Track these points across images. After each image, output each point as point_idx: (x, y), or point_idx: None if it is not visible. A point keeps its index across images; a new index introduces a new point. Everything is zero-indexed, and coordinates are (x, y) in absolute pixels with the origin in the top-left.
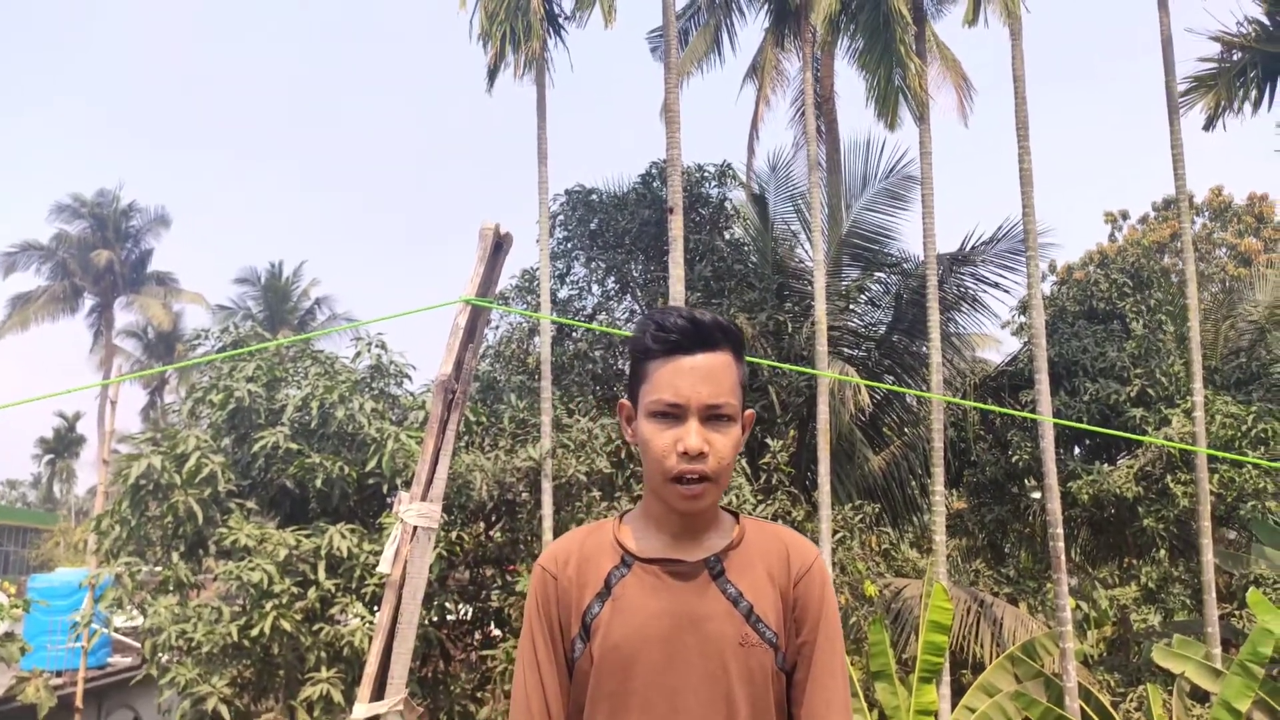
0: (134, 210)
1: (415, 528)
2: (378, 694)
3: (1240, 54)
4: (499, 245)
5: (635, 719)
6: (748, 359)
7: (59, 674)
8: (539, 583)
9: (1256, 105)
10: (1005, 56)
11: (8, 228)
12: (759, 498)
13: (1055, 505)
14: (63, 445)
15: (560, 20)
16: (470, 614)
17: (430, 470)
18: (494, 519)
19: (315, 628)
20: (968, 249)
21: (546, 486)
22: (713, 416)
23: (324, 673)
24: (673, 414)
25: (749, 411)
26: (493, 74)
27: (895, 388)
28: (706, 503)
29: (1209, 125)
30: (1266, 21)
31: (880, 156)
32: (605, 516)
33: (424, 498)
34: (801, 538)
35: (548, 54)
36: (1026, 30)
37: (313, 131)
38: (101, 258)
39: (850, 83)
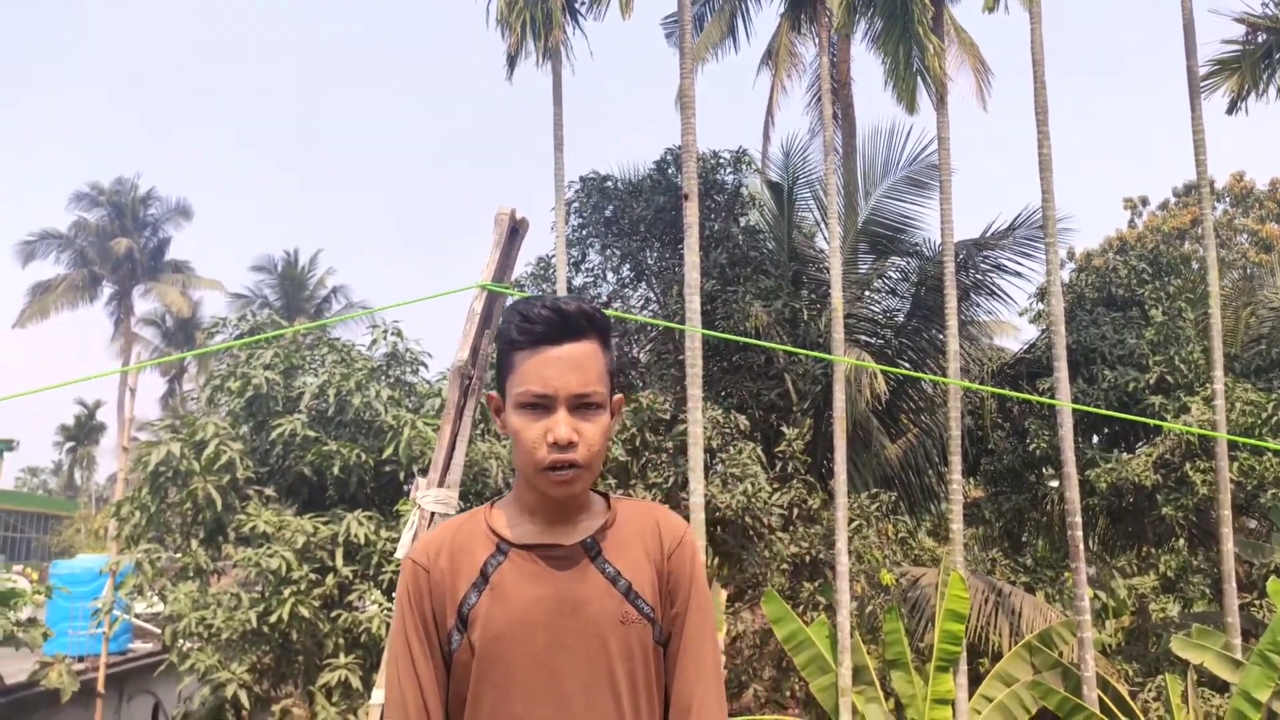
0: (152, 199)
1: (432, 514)
2: None
3: (1265, 36)
4: (515, 230)
5: (519, 706)
6: (765, 344)
7: (81, 659)
8: (410, 576)
9: None
10: (1024, 41)
11: (27, 216)
12: (775, 486)
13: (1073, 493)
14: (83, 432)
15: (578, 6)
16: None
17: (447, 456)
18: None
19: (333, 614)
20: (986, 235)
21: None
22: (581, 405)
23: (342, 659)
24: (541, 404)
25: (618, 397)
26: (512, 61)
27: (912, 373)
28: (578, 489)
29: (1232, 109)
30: None
31: (904, 144)
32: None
33: (441, 484)
34: (672, 513)
35: (566, 41)
36: (1046, 14)
37: (328, 123)
38: (120, 246)
39: (867, 69)
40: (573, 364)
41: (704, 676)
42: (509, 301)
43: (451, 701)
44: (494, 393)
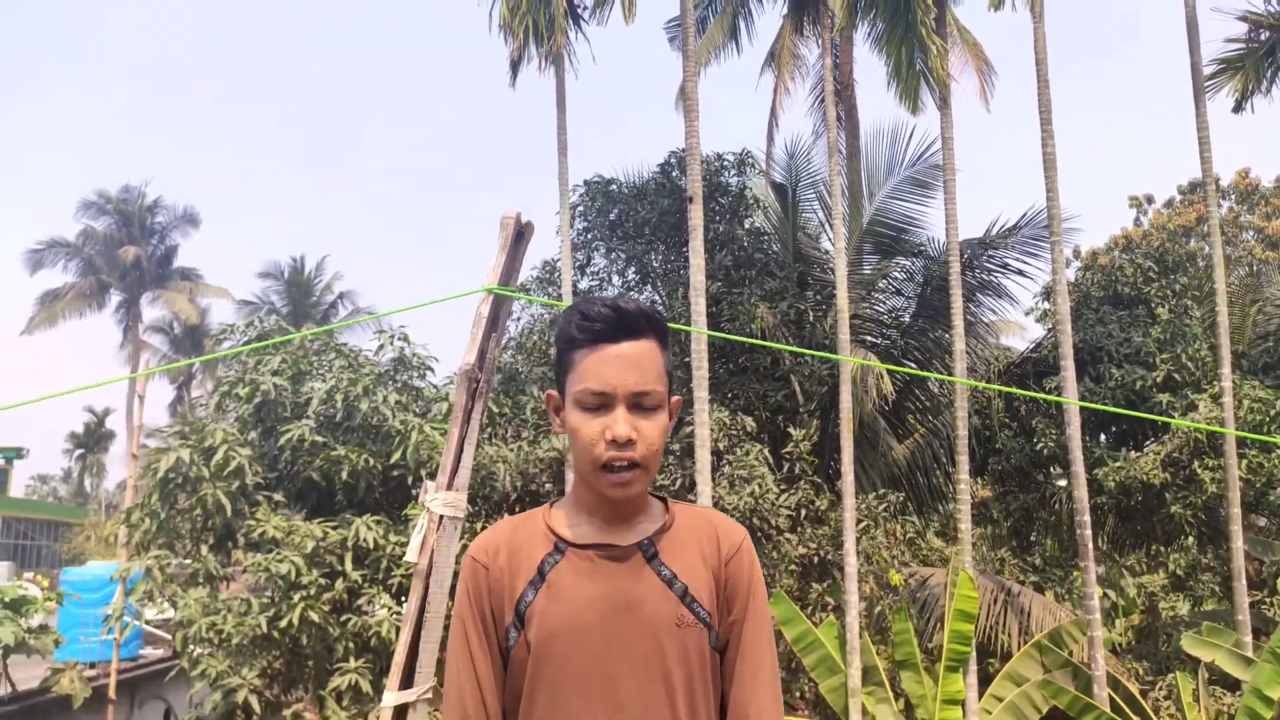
0: (159, 206)
1: (441, 517)
2: (406, 683)
3: (1268, 33)
4: (520, 234)
5: (574, 704)
6: (771, 345)
7: (92, 665)
8: (469, 573)
9: None
10: (1028, 40)
11: (35, 225)
12: (782, 487)
13: (1082, 492)
14: (92, 440)
15: (581, 12)
16: None
17: (455, 460)
18: (518, 509)
19: (343, 619)
20: (991, 235)
21: (570, 477)
22: (640, 404)
23: (352, 663)
24: (600, 402)
25: (676, 398)
26: (515, 67)
27: (919, 373)
28: (636, 489)
29: (1238, 107)
30: None
31: (907, 144)
32: None
33: (449, 487)
34: (730, 519)
35: (568, 46)
36: (1049, 13)
37: (333, 129)
38: (128, 254)
39: (869, 70)
40: (631, 362)
41: (762, 685)
42: (515, 304)
43: (508, 699)
44: (553, 391)
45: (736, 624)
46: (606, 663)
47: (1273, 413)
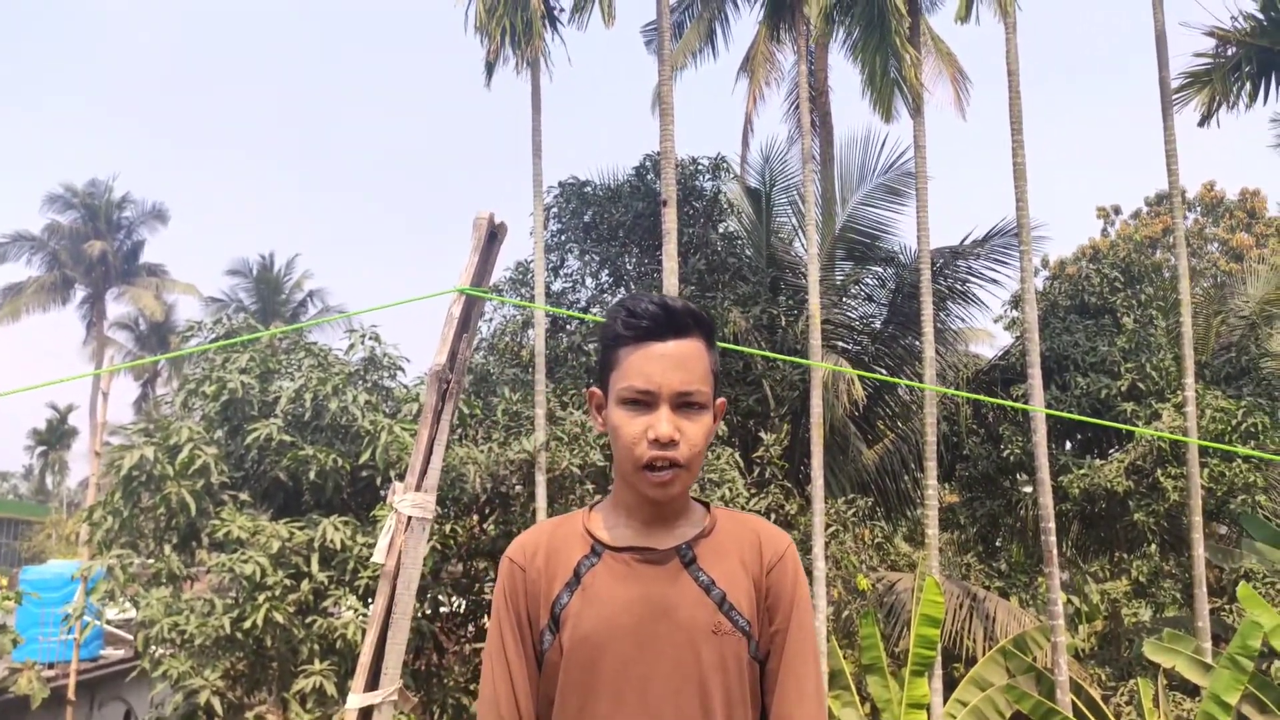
0: (127, 202)
1: (410, 518)
2: (372, 684)
3: (1235, 49)
4: (493, 235)
5: (605, 709)
6: (743, 349)
7: (51, 666)
8: (506, 575)
9: (1251, 100)
10: (1000, 52)
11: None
12: (752, 491)
13: (1047, 499)
14: (55, 437)
15: (557, 14)
16: (464, 607)
17: (424, 461)
18: (487, 512)
19: (308, 620)
20: (963, 243)
21: (540, 479)
22: (684, 404)
23: (317, 665)
24: (643, 401)
25: (720, 400)
26: (490, 68)
27: (889, 379)
28: (677, 489)
29: (1204, 121)
30: (1261, 17)
31: (880, 152)
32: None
33: (418, 488)
34: (774, 527)
35: (545, 49)
36: (1021, 26)
37: (304, 126)
38: (94, 248)
39: (845, 77)
40: (677, 361)
41: (806, 699)
42: (487, 305)
43: (541, 702)
44: (595, 388)
45: (779, 634)
46: (640, 667)
47: (1234, 422)
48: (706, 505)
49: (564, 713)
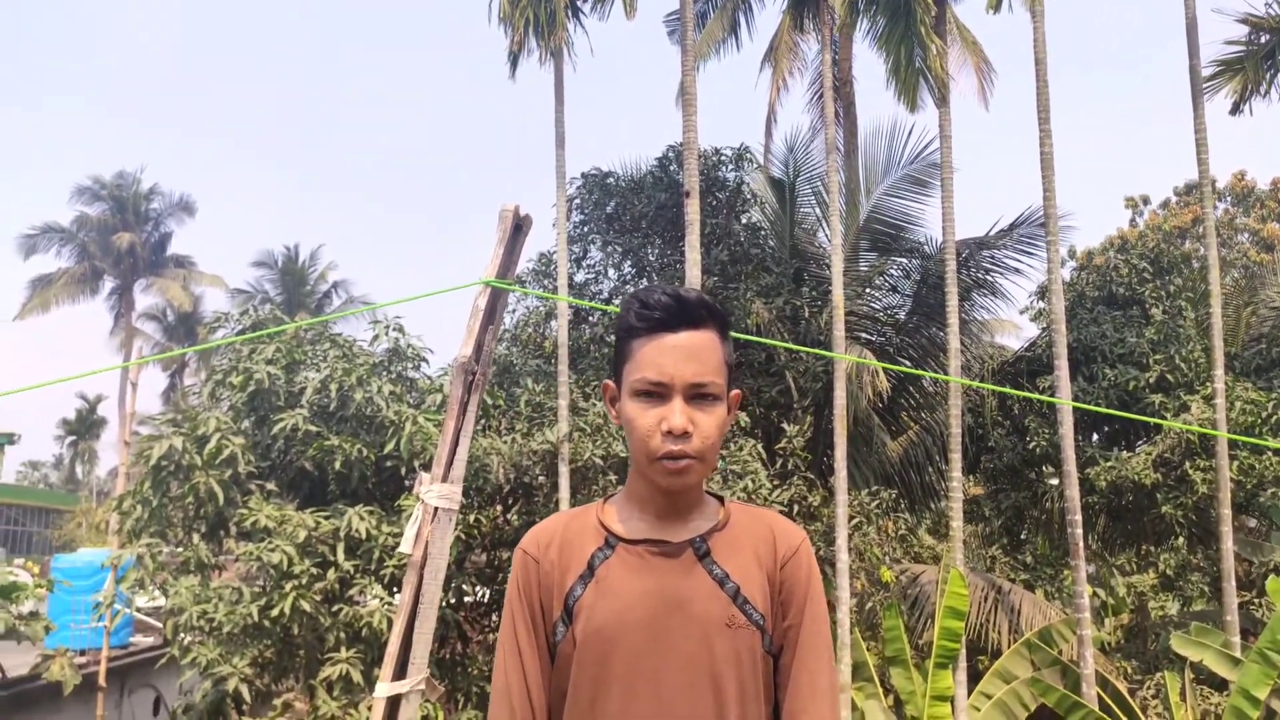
0: (155, 193)
1: (436, 509)
2: (399, 674)
3: (1268, 36)
4: (519, 227)
5: (618, 702)
6: (766, 341)
7: (82, 653)
8: (520, 566)
9: None
10: (1027, 40)
11: (29, 210)
12: (775, 483)
13: (1073, 492)
14: (84, 427)
15: (581, 4)
16: (487, 596)
17: (450, 452)
18: (511, 502)
19: (334, 608)
20: (989, 234)
21: (563, 470)
22: (698, 395)
23: (343, 653)
24: (657, 392)
25: (735, 391)
26: (514, 59)
27: (913, 370)
28: (692, 480)
29: (1236, 110)
30: None
31: (906, 142)
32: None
33: (444, 479)
34: (788, 521)
35: (568, 40)
36: (1049, 13)
37: (329, 118)
38: (122, 240)
39: (868, 66)
40: (690, 353)
41: (819, 694)
42: (511, 297)
43: (554, 693)
44: (609, 381)
45: (793, 629)
46: (652, 660)
47: (1265, 414)
48: (721, 499)
49: (576, 704)
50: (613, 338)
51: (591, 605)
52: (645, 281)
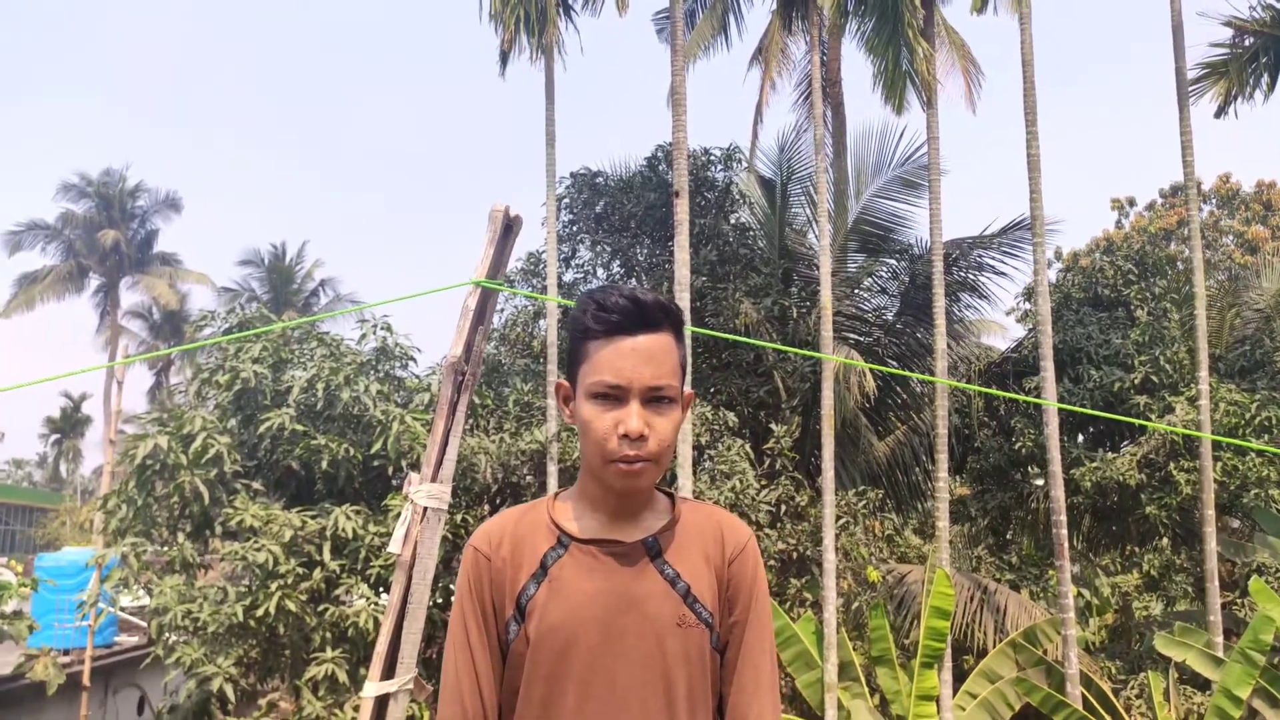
0: (141, 191)
1: (425, 509)
2: (387, 673)
3: (1252, 39)
4: (509, 227)
5: (572, 701)
6: (754, 342)
7: (66, 652)
8: (471, 563)
9: (1269, 91)
10: (1015, 43)
11: (13, 207)
12: (763, 483)
13: (1058, 492)
14: (69, 425)
15: (571, 3)
16: None
17: (440, 452)
18: (498, 502)
19: (320, 608)
20: (975, 237)
21: (552, 469)
22: (654, 398)
23: (329, 653)
24: (614, 395)
25: (689, 392)
26: (505, 57)
27: (900, 371)
28: (646, 482)
29: (1220, 113)
30: (1279, 7)
31: (897, 145)
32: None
33: (434, 479)
34: (735, 518)
35: (559, 38)
36: (1036, 16)
37: (316, 117)
38: (108, 237)
39: (856, 67)
40: (648, 356)
41: (762, 689)
42: (500, 296)
43: (505, 692)
44: (563, 380)
45: (738, 625)
46: (606, 660)
47: (1248, 416)
48: (671, 495)
49: (528, 702)
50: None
51: (545, 604)
52: (634, 281)
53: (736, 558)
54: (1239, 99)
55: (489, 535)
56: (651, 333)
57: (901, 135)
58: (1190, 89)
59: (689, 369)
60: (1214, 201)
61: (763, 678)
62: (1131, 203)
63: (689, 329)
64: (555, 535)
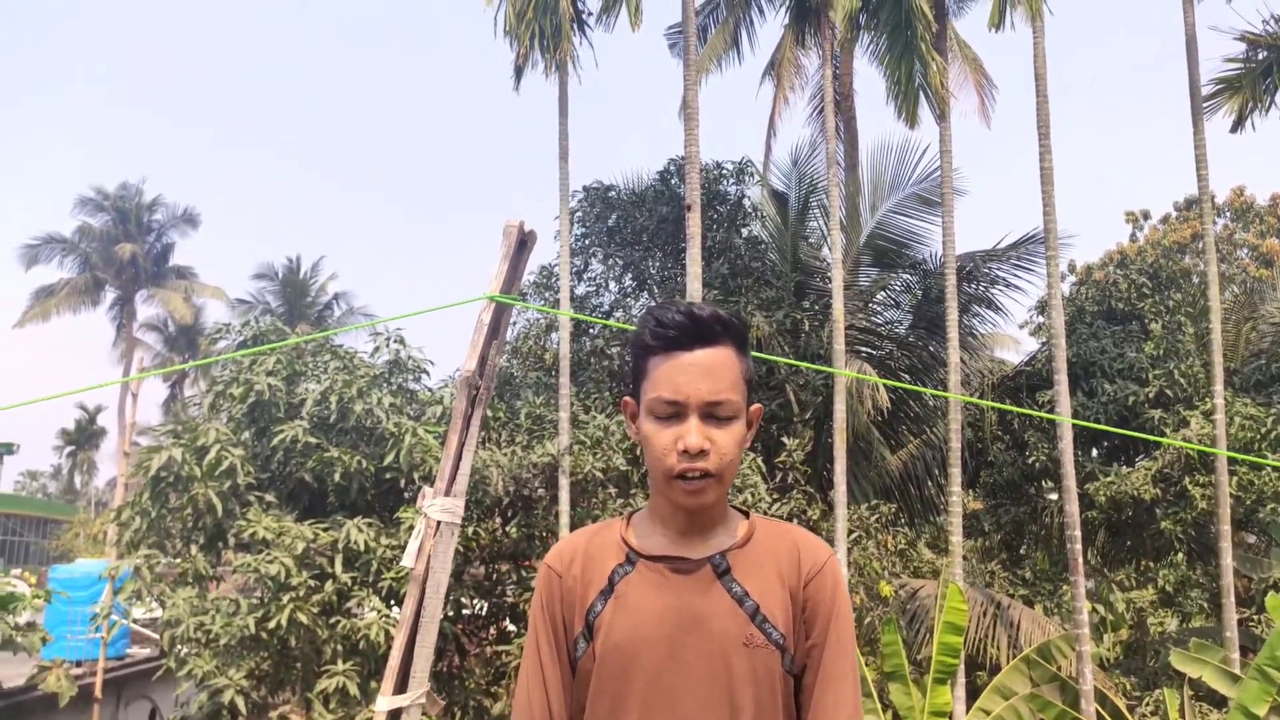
0: (158, 205)
1: (438, 523)
2: (400, 687)
3: (1266, 53)
4: (523, 243)
5: (635, 717)
6: (766, 357)
7: (79, 664)
8: (544, 581)
9: None
10: (1028, 57)
11: (31, 220)
12: (774, 496)
13: (1073, 507)
14: (83, 437)
15: (586, 18)
16: (485, 609)
17: (454, 466)
18: (510, 515)
19: (332, 621)
20: (988, 250)
21: (563, 483)
22: (714, 413)
23: (340, 665)
24: (673, 411)
25: (755, 406)
26: (519, 72)
27: (913, 386)
28: (710, 498)
29: (1236, 127)
30: None
31: (917, 162)
32: (620, 513)
33: (447, 493)
34: (814, 537)
35: (573, 53)
36: (1050, 30)
37: (332, 129)
38: (124, 251)
39: (869, 81)
40: (705, 370)
41: (843, 715)
42: (516, 312)
43: (574, 708)
44: (628, 398)
45: (816, 648)
46: (670, 678)
47: (1264, 430)
48: (747, 514)
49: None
50: (614, 350)
51: (610, 621)
52: (647, 294)
53: (814, 578)
54: (1254, 113)
55: (562, 553)
56: (710, 346)
57: (923, 154)
58: (1205, 103)
59: (752, 382)
60: (1228, 215)
61: (843, 703)
62: (1146, 216)
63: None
64: (624, 552)
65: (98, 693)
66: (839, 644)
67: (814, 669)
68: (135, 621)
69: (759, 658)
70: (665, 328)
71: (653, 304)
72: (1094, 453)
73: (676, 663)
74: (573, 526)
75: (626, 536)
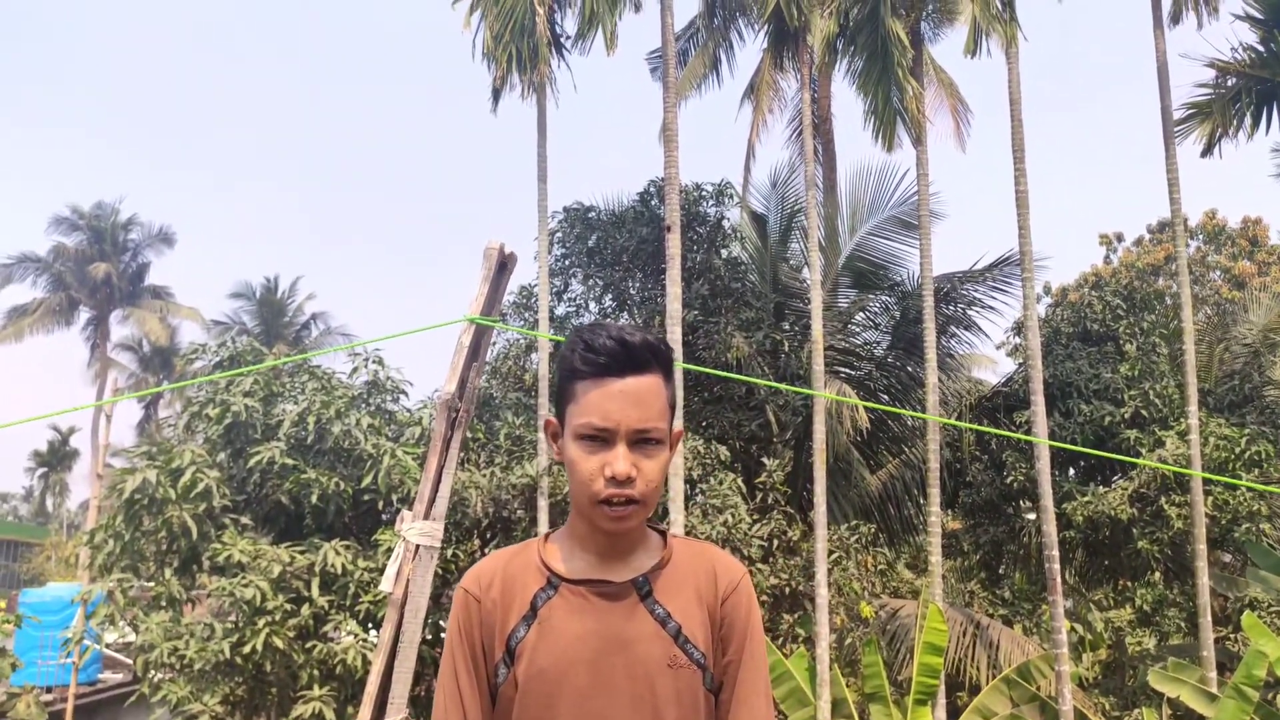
0: (133, 224)
1: (417, 546)
2: (378, 713)
3: (1235, 80)
4: (503, 265)
5: None
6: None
7: (49, 690)
8: (461, 605)
9: (1253, 130)
10: (1003, 81)
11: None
12: (755, 517)
13: (1050, 527)
14: (56, 459)
15: (563, 41)
16: None
17: (433, 489)
18: (489, 536)
19: (308, 645)
20: (965, 272)
21: (543, 504)
22: (641, 440)
23: (316, 691)
24: (600, 437)
25: (677, 429)
26: (497, 94)
27: (891, 408)
28: (634, 524)
29: (1206, 152)
30: (1261, 48)
31: (896, 186)
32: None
33: (426, 516)
34: (729, 556)
35: (550, 75)
36: (1024, 56)
37: (309, 149)
38: (99, 270)
39: (847, 105)
40: (635, 398)
41: None
42: (496, 333)
43: None
44: (551, 418)
45: (732, 665)
46: (597, 702)
47: (1238, 450)
48: (663, 533)
49: None
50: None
51: (534, 646)
52: (626, 315)
53: (730, 596)
54: (1224, 138)
55: (479, 577)
56: (639, 374)
57: (902, 177)
58: (1176, 128)
59: (679, 405)
60: (1201, 237)
61: (758, 717)
62: (1120, 238)
63: (679, 365)
64: (545, 576)
65: (68, 719)
66: (753, 660)
67: (730, 685)
68: (108, 646)
69: (682, 678)
70: (596, 353)
71: (579, 328)
72: (1071, 472)
73: (603, 687)
74: None
75: (546, 559)
